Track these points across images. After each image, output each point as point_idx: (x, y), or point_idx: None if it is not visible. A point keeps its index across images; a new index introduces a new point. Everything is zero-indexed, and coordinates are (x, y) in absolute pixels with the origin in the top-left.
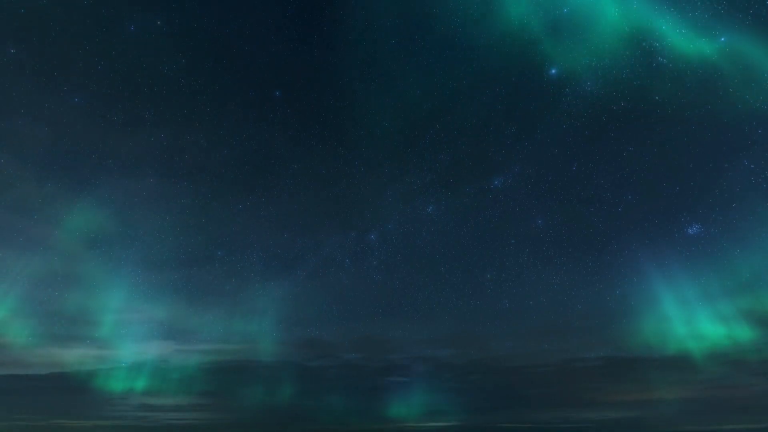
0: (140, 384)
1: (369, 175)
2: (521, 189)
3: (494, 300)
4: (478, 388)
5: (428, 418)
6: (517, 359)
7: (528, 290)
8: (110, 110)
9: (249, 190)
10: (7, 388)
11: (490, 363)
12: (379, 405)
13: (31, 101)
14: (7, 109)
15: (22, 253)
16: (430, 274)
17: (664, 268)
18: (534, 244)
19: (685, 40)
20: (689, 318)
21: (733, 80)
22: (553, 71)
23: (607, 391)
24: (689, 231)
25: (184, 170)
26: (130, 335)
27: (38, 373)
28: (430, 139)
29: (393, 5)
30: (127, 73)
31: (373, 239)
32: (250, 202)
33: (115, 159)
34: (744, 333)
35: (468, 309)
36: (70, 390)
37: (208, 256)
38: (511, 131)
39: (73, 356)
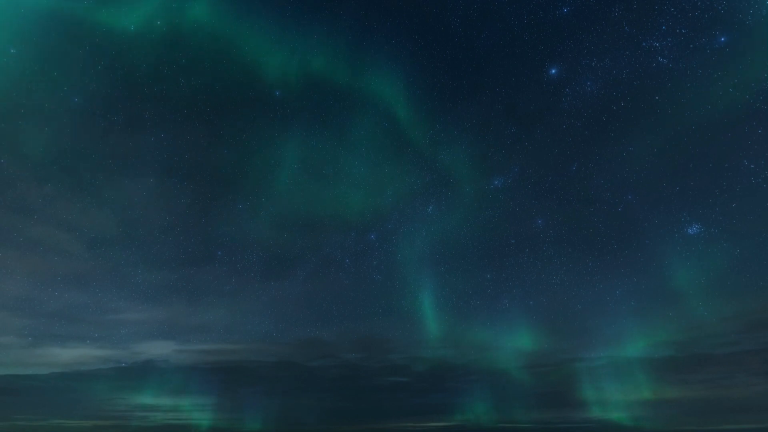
0: (140, 384)
1: (369, 175)
2: (521, 189)
3: (494, 300)
4: (478, 388)
5: (428, 417)
6: (516, 359)
7: (528, 290)
8: (110, 110)
9: (249, 190)
10: (7, 388)
11: (489, 363)
12: (379, 405)
13: (31, 101)
14: (7, 109)
15: (22, 253)
16: (430, 274)
17: (664, 268)
18: (534, 244)
19: (685, 40)
20: (689, 317)
21: (733, 80)
22: (553, 71)
23: (607, 391)
24: (689, 231)
25: (184, 170)
26: (130, 335)
27: (38, 373)
28: (430, 139)
29: (393, 5)
30: (127, 73)
31: (373, 239)
32: (250, 202)
33: (115, 159)
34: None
35: (468, 309)
36: (70, 390)
37: (208, 256)
38: (511, 131)
39: (73, 356)
